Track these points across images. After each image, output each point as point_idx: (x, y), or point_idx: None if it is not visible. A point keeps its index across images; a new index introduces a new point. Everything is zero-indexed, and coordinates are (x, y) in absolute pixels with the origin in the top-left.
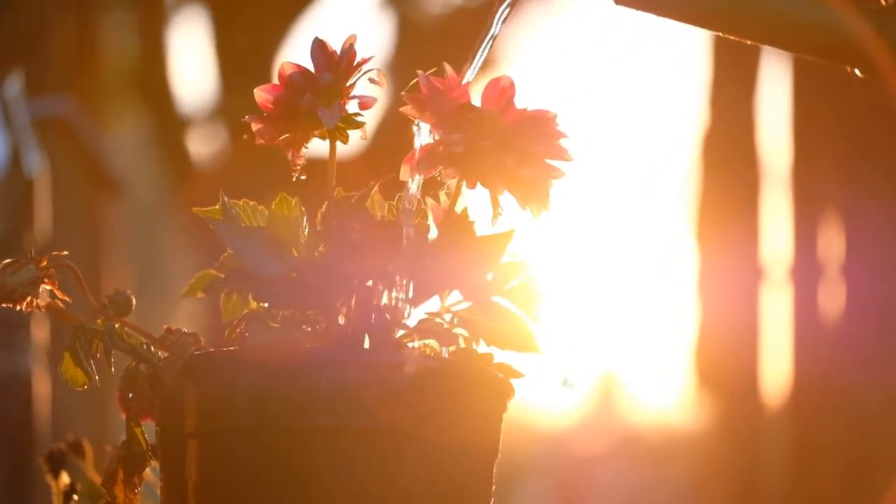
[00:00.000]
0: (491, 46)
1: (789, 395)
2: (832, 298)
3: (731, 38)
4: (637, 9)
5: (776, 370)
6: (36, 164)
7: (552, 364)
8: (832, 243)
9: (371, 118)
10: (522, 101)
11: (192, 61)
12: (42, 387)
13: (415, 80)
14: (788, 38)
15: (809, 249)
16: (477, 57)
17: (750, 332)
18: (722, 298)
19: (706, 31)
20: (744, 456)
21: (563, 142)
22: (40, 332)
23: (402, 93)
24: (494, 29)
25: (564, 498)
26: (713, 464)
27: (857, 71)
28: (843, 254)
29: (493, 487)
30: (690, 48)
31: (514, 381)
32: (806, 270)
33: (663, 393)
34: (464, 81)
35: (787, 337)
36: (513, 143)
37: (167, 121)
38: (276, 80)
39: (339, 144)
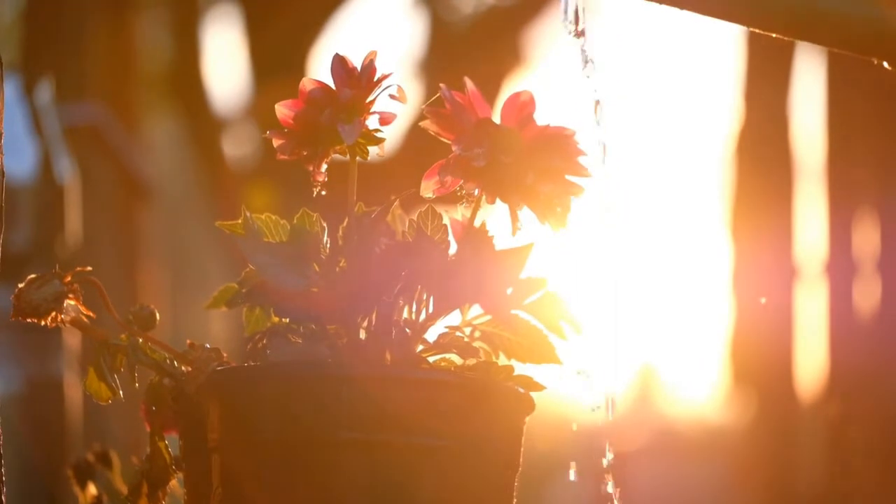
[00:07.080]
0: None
1: (824, 390)
2: (867, 294)
3: (758, 31)
4: (662, 3)
5: (811, 365)
6: (67, 170)
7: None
8: (867, 239)
9: (404, 120)
10: (542, 117)
11: (224, 66)
12: (74, 392)
13: (437, 96)
14: (814, 30)
15: (844, 245)
16: None
17: (785, 328)
18: (757, 294)
19: (734, 26)
20: (780, 450)
21: (582, 159)
22: (72, 339)
23: (423, 107)
24: None
25: (601, 492)
26: (749, 458)
27: (885, 63)
28: (878, 249)
29: (514, 502)
30: (725, 44)
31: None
32: (841, 266)
33: (700, 388)
34: None
35: (823, 332)
36: (533, 159)
37: (199, 125)
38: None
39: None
